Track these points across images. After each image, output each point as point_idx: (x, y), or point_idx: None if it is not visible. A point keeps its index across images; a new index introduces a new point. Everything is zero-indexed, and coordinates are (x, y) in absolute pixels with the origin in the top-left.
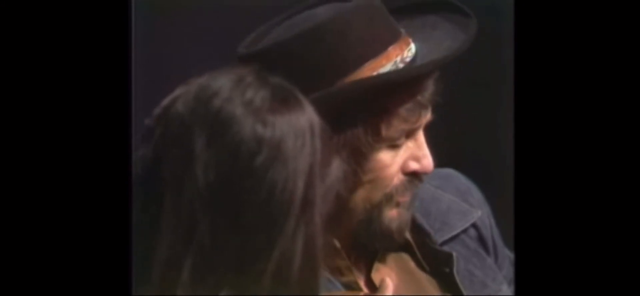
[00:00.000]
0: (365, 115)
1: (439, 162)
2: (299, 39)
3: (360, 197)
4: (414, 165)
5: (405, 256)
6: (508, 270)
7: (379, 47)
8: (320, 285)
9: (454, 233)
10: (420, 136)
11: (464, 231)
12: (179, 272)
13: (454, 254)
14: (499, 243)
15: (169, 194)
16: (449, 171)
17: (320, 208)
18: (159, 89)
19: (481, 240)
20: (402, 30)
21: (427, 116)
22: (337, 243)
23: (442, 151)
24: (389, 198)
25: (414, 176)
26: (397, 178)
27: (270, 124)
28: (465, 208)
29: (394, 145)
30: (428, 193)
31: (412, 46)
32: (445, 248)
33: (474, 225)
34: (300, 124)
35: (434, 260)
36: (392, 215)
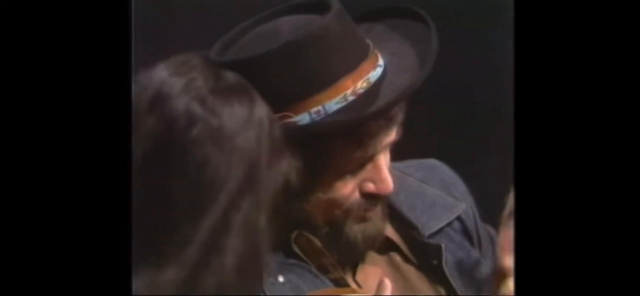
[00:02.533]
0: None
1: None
2: (255, 60)
3: (319, 211)
4: (370, 187)
5: (393, 253)
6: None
7: (329, 79)
8: (265, 271)
9: (440, 225)
10: (380, 159)
11: (449, 224)
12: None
13: (443, 245)
14: (483, 234)
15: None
16: (433, 162)
17: (265, 193)
18: None
19: (466, 232)
20: (365, 56)
21: (388, 140)
22: (319, 242)
23: (442, 151)
24: (347, 214)
25: (372, 196)
26: (354, 197)
27: (210, 105)
28: (451, 202)
29: (347, 173)
30: (413, 187)
31: (371, 75)
32: (433, 240)
33: (458, 218)
34: (243, 111)
35: (422, 253)
36: (356, 229)
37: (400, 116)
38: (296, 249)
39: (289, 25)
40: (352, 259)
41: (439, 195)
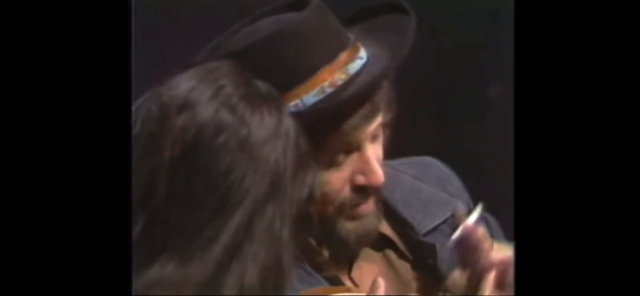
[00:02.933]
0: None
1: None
2: (233, 55)
3: (313, 209)
4: (360, 179)
5: (388, 250)
6: None
7: (306, 72)
8: (287, 283)
9: (436, 223)
10: (367, 149)
11: (445, 221)
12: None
13: (437, 245)
14: None
15: (139, 167)
16: (427, 159)
17: (289, 205)
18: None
19: None
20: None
21: (372, 128)
22: (313, 241)
23: (441, 151)
24: (339, 212)
25: (363, 189)
26: (345, 192)
27: (240, 113)
28: (446, 199)
29: (333, 163)
30: (408, 184)
31: (349, 67)
32: (427, 239)
33: (454, 215)
34: (272, 120)
35: (417, 252)
36: (348, 227)
37: (382, 104)
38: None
39: (267, 23)
40: (346, 256)
41: (435, 192)
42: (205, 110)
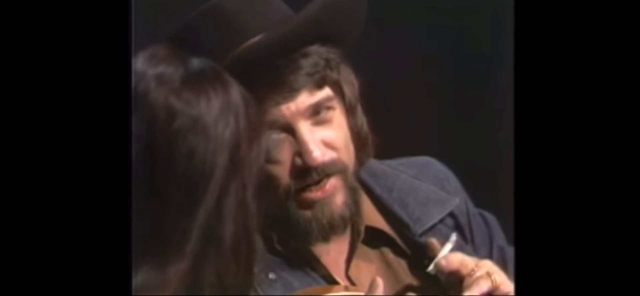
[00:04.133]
0: None
1: (439, 161)
2: (185, 27)
3: (262, 199)
4: (298, 161)
5: (385, 249)
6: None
7: (243, 38)
8: (257, 256)
9: (433, 222)
10: (301, 129)
11: (441, 220)
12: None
13: None
14: (476, 228)
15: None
16: (426, 159)
17: (249, 174)
18: None
19: (458, 228)
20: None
21: (301, 106)
22: (314, 247)
23: (442, 150)
24: (288, 195)
25: (306, 172)
26: (288, 176)
27: (185, 97)
28: (444, 197)
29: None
30: (405, 184)
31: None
32: (423, 239)
33: (451, 214)
34: (218, 97)
35: (414, 251)
36: (305, 216)
37: (310, 83)
38: (279, 248)
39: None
40: (352, 247)
41: (433, 190)
42: (155, 98)
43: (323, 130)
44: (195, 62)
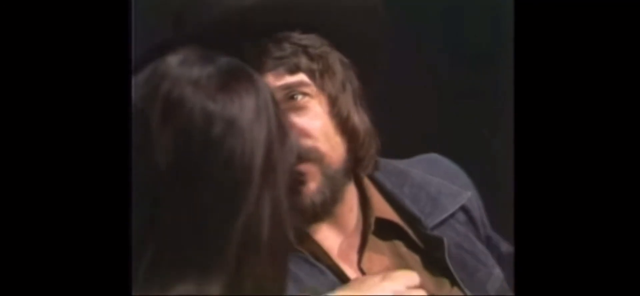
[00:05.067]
0: None
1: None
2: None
3: (292, 196)
4: None
5: (398, 242)
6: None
7: None
8: (289, 250)
9: (445, 215)
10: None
11: (453, 215)
12: (143, 257)
13: (445, 239)
14: (488, 226)
15: (134, 183)
16: (434, 156)
17: (282, 173)
18: None
19: (471, 222)
20: None
21: (271, 86)
22: (321, 230)
23: (441, 151)
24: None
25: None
26: None
27: (220, 100)
28: (456, 190)
29: None
30: (417, 179)
31: None
32: (436, 232)
33: (463, 208)
34: (251, 98)
35: (426, 245)
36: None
37: (283, 68)
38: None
39: None
40: (364, 241)
41: (444, 183)
42: (191, 106)
43: (296, 116)
44: (224, 62)
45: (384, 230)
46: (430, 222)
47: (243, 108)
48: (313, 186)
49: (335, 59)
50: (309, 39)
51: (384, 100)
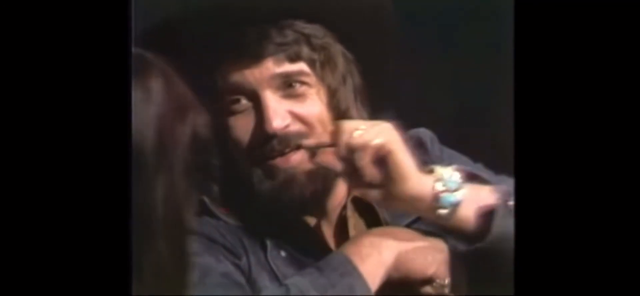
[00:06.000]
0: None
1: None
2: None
3: (247, 162)
4: (261, 129)
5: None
6: None
7: None
8: (187, 234)
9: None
10: (265, 96)
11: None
12: None
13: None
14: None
15: None
16: (415, 131)
17: (180, 153)
18: None
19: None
20: None
21: (264, 74)
22: (312, 221)
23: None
24: (253, 162)
25: (268, 139)
26: (254, 140)
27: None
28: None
29: (234, 109)
30: None
31: None
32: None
33: None
34: (141, 81)
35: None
36: (269, 185)
37: (274, 56)
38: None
39: None
40: (330, 222)
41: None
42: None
43: (293, 103)
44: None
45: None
46: (401, 223)
47: (134, 90)
48: (304, 175)
49: (338, 51)
50: (313, 29)
51: (387, 98)
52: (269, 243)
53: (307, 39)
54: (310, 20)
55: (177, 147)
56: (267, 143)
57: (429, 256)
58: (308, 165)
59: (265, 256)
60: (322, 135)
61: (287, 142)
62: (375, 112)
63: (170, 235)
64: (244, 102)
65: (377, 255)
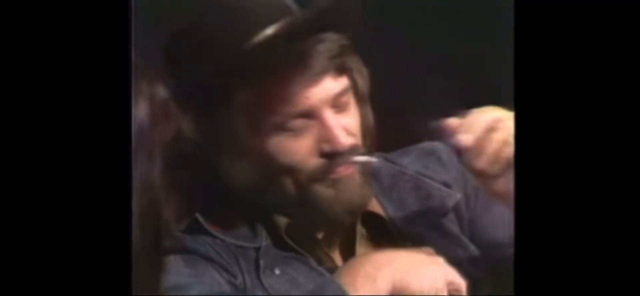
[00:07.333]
0: (240, 104)
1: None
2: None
3: (285, 179)
4: (326, 147)
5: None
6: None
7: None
8: (165, 236)
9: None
10: (325, 116)
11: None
12: None
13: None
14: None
15: None
16: (432, 145)
17: (158, 156)
18: None
19: (459, 220)
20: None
21: (326, 94)
22: (320, 235)
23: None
24: (312, 178)
25: (332, 155)
26: (313, 160)
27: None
28: (446, 193)
29: (290, 130)
30: (408, 184)
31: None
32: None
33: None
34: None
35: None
36: (327, 194)
37: (331, 71)
38: (289, 241)
39: None
40: (338, 235)
41: (437, 187)
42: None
43: (343, 117)
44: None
45: (373, 224)
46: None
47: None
48: (358, 182)
49: (358, 58)
50: (342, 39)
51: (381, 100)
52: (262, 262)
53: (343, 49)
54: (337, 30)
55: (155, 140)
56: (333, 160)
57: (426, 281)
58: (357, 174)
59: (258, 276)
60: (370, 146)
61: (347, 157)
62: (377, 113)
63: (147, 234)
64: (300, 122)
65: (372, 283)
